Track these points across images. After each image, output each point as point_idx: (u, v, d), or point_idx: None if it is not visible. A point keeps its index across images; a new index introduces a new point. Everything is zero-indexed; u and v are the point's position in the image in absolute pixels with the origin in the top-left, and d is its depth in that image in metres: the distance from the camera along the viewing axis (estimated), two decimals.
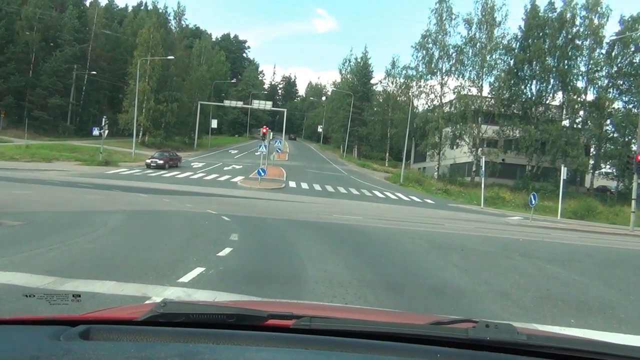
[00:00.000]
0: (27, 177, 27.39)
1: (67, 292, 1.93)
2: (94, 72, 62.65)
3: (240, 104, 79.71)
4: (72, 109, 63.48)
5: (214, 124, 71.89)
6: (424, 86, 57.88)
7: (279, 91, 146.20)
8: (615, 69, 52.37)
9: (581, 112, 53.19)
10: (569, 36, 50.95)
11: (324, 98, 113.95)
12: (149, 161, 41.38)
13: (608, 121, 52.11)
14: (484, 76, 54.41)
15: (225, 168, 45.83)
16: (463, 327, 1.45)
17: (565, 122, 53.33)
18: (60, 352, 1.26)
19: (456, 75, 55.69)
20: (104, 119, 44.00)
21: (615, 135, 51.88)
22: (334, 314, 1.94)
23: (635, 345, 1.47)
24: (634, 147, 39.09)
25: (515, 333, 1.38)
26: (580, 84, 52.42)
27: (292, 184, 38.40)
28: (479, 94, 54.60)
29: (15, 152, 41.17)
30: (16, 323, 1.50)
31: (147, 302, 5.13)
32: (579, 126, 53.10)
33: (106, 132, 43.32)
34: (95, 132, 44.15)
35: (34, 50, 59.30)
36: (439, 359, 1.32)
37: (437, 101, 57.16)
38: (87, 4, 71.77)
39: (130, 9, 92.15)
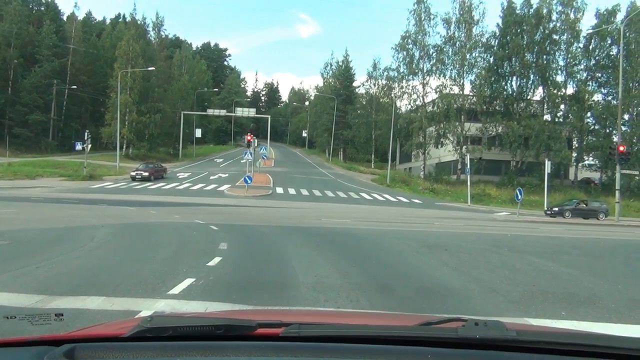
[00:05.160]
0: (10, 195, 27.04)
1: (49, 312, 1.89)
2: (74, 87, 62.13)
3: (223, 112, 79.46)
4: (54, 125, 62.85)
5: (198, 133, 71.55)
6: (406, 87, 58.26)
7: (262, 98, 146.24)
8: (593, 62, 53.10)
9: (562, 106, 53.83)
10: (546, 31, 51.63)
11: (307, 103, 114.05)
12: (133, 173, 41.07)
13: (589, 114, 52.81)
14: (464, 74, 54.98)
15: (212, 177, 45.62)
16: (452, 326, 1.45)
17: (547, 117, 53.93)
18: None
19: (437, 75, 56.14)
20: (86, 133, 43.59)
21: (596, 127, 52.60)
22: (323, 320, 1.93)
23: (623, 335, 1.48)
24: (615, 139, 39.68)
25: (504, 330, 1.38)
26: (559, 78, 53.19)
27: (280, 190, 38.33)
28: (461, 92, 55.04)
29: None
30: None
31: (137, 316, 5.08)
32: (561, 120, 53.72)
33: (89, 146, 42.91)
34: (78, 146, 43.74)
35: (12, 67, 58.73)
36: None
37: (420, 101, 57.48)
38: (64, 18, 71.28)
39: (108, 21, 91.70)
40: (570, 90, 53.66)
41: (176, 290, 6.65)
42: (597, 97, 53.68)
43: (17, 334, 1.56)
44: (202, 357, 1.32)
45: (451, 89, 55.07)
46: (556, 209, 32.74)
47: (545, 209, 33.46)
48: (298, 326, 1.44)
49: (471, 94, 54.83)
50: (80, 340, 1.45)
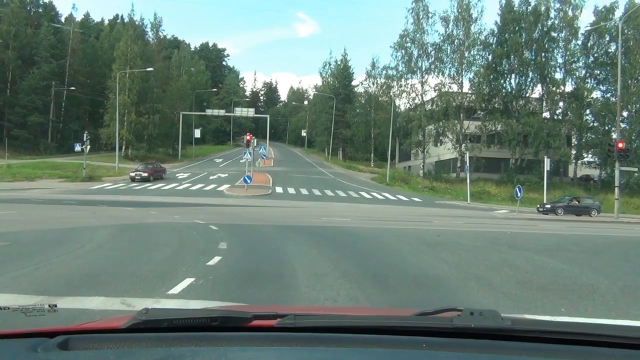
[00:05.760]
0: (10, 196, 27.03)
1: (42, 303, 1.88)
2: (73, 88, 62.08)
3: (222, 112, 79.50)
4: (53, 126, 62.86)
5: (197, 133, 71.54)
6: (404, 85, 58.31)
7: (261, 97, 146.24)
8: (591, 59, 53.15)
9: (561, 104, 53.85)
10: (545, 29, 51.63)
11: (306, 102, 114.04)
12: (133, 174, 41.06)
13: (587, 111, 52.85)
14: (463, 72, 54.95)
15: (211, 177, 45.63)
16: (448, 316, 1.45)
17: (546, 114, 53.94)
18: None
19: (436, 73, 56.19)
20: (85, 135, 43.61)
21: (595, 124, 52.63)
22: (319, 313, 1.93)
23: (617, 324, 1.48)
24: (614, 135, 39.70)
25: (499, 319, 1.38)
26: (558, 76, 53.15)
27: (279, 189, 38.33)
28: (460, 90, 55.02)
29: None
30: None
31: None
32: (560, 117, 53.72)
33: (88, 147, 42.94)
34: (77, 148, 43.75)
35: (11, 69, 58.73)
36: (425, 349, 1.31)
37: (419, 99, 57.53)
38: (63, 19, 71.21)
39: (106, 22, 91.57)
40: (569, 87, 53.74)
41: (176, 290, 6.64)
42: (596, 94, 53.82)
43: (11, 326, 1.55)
44: (195, 347, 1.32)
45: (450, 87, 55.15)
46: (548, 205, 32.72)
47: (538, 205, 33.44)
48: (293, 317, 1.44)
49: (470, 92, 54.81)
50: (74, 333, 1.45)
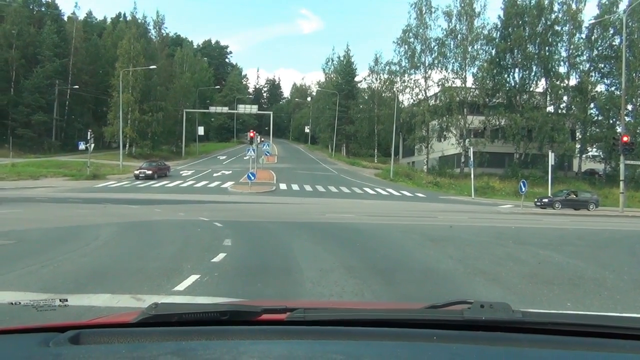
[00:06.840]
0: (15, 195, 27.12)
1: (53, 297, 1.88)
2: (77, 87, 62.23)
3: (225, 109, 79.46)
4: (57, 125, 62.95)
5: (201, 130, 71.58)
6: (408, 81, 58.11)
7: (264, 94, 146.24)
8: (595, 52, 52.85)
9: (565, 98, 53.60)
10: (548, 22, 51.39)
11: (309, 99, 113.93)
12: (137, 172, 41.15)
13: (592, 105, 52.59)
14: (467, 67, 54.75)
15: (215, 174, 45.67)
16: (458, 308, 1.45)
17: (550, 108, 53.77)
18: (50, 357, 1.25)
19: (439, 68, 55.98)
20: (89, 133, 43.66)
21: (600, 118, 52.39)
22: (328, 307, 1.93)
23: (628, 315, 1.48)
24: (619, 129, 39.53)
25: (510, 311, 1.38)
26: (562, 70, 52.93)
27: (283, 186, 38.34)
28: (463, 85, 54.82)
29: (1, 171, 40.70)
30: (5, 333, 1.48)
31: None
32: (564, 111, 53.49)
33: (92, 145, 42.99)
34: (81, 146, 43.82)
35: (14, 68, 58.85)
36: (436, 342, 1.31)
37: (422, 95, 57.36)
38: (65, 18, 71.30)
39: (109, 20, 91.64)
40: (573, 81, 53.52)
41: (181, 286, 6.66)
42: (600, 87, 53.49)
43: (22, 321, 1.56)
44: (206, 341, 1.33)
45: (453, 82, 54.91)
46: (546, 200, 32.61)
47: (535, 200, 33.34)
48: (303, 311, 1.44)
49: (473, 86, 54.62)
50: (85, 327, 1.46)
